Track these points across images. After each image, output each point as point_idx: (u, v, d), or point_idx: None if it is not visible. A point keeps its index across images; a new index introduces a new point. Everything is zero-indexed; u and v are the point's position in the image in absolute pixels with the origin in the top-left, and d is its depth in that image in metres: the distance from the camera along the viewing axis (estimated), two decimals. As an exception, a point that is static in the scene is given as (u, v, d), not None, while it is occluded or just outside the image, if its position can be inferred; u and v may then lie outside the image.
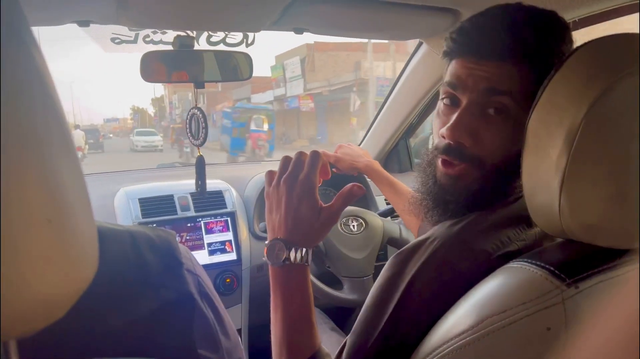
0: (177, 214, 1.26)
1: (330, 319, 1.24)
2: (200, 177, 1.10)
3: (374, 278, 1.04)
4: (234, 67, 1.06)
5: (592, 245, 0.45)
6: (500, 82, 0.55)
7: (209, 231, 1.29)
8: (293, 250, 0.59)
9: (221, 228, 1.30)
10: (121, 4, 0.79)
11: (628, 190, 0.41)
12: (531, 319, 0.41)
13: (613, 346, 0.19)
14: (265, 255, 0.61)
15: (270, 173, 0.64)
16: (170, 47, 1.00)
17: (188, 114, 1.03)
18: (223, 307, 0.44)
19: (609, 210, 0.42)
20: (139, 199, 1.25)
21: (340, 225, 1.17)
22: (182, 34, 0.97)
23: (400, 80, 1.44)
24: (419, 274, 0.53)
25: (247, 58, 1.06)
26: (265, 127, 13.68)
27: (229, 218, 1.31)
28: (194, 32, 0.99)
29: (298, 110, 19.09)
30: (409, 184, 1.04)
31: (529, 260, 0.46)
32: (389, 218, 1.31)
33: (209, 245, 1.28)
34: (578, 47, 0.46)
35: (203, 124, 1.01)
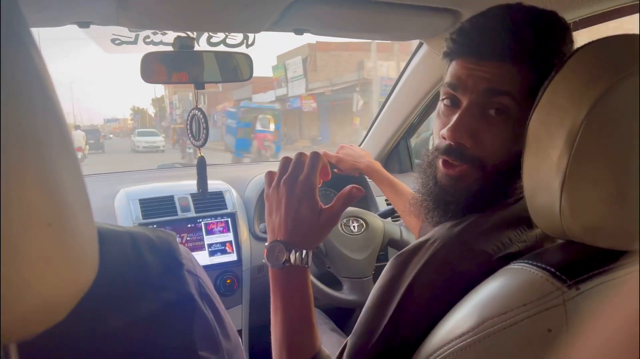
0: (177, 215, 1.26)
1: (330, 320, 1.24)
2: (202, 177, 1.10)
3: (374, 279, 1.04)
4: (234, 68, 1.06)
5: (593, 246, 0.45)
6: (501, 83, 0.55)
7: (210, 232, 1.29)
8: (293, 251, 0.59)
9: (221, 229, 1.30)
10: (121, 4, 0.79)
11: (629, 191, 0.41)
12: (532, 321, 0.41)
13: (614, 347, 0.19)
14: (265, 256, 0.61)
15: (270, 174, 0.64)
16: (170, 48, 1.00)
17: (189, 115, 1.04)
18: (223, 308, 0.44)
19: (609, 211, 0.42)
20: (140, 200, 1.25)
21: (341, 226, 1.17)
22: (183, 34, 0.97)
23: (400, 81, 1.44)
24: (419, 276, 0.53)
25: (248, 59, 1.06)
26: (272, 127, 13.34)
27: (229, 219, 1.31)
28: (194, 33, 0.99)
29: (300, 111, 18.96)
30: (409, 185, 1.04)
31: (530, 262, 0.46)
32: (389, 219, 1.31)
33: (210, 245, 1.28)
34: (578, 48, 0.46)
35: (204, 125, 1.01)
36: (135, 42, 1.04)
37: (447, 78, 0.60)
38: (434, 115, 0.65)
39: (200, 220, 1.28)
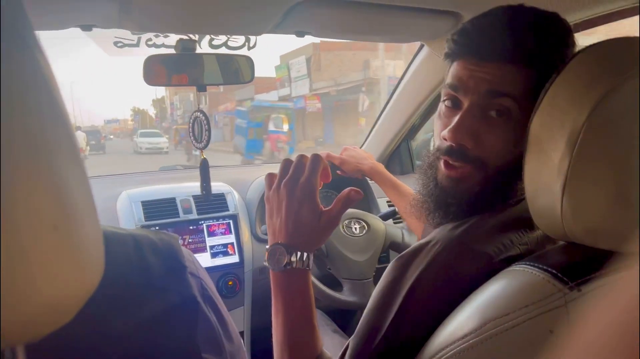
0: (179, 217, 1.26)
1: (332, 321, 1.24)
2: (205, 179, 1.10)
3: (375, 281, 1.04)
4: (236, 70, 1.06)
5: (595, 247, 0.45)
6: (502, 84, 0.55)
7: (211, 233, 1.29)
8: (294, 254, 0.59)
9: (223, 230, 1.31)
10: (124, 7, 0.79)
11: (630, 193, 0.41)
12: (534, 323, 0.41)
13: (615, 348, 0.19)
14: (266, 259, 0.61)
15: (271, 177, 0.64)
16: (172, 51, 1.00)
17: (191, 117, 1.04)
18: (226, 310, 0.44)
19: (611, 212, 0.42)
20: (142, 202, 1.25)
21: (342, 227, 1.17)
22: (185, 37, 0.98)
23: (401, 83, 1.44)
24: (420, 277, 0.53)
25: (249, 61, 1.06)
26: (285, 127, 12.67)
27: (231, 221, 1.31)
28: (196, 36, 1.00)
29: (304, 111, 18.71)
30: (411, 186, 1.04)
31: (532, 263, 0.46)
32: (391, 221, 1.31)
33: (212, 247, 1.28)
34: (579, 51, 0.46)
35: (206, 127, 1.02)
36: (137, 44, 1.05)
37: (448, 80, 0.60)
38: (434, 116, 0.65)
39: (202, 221, 1.29)
